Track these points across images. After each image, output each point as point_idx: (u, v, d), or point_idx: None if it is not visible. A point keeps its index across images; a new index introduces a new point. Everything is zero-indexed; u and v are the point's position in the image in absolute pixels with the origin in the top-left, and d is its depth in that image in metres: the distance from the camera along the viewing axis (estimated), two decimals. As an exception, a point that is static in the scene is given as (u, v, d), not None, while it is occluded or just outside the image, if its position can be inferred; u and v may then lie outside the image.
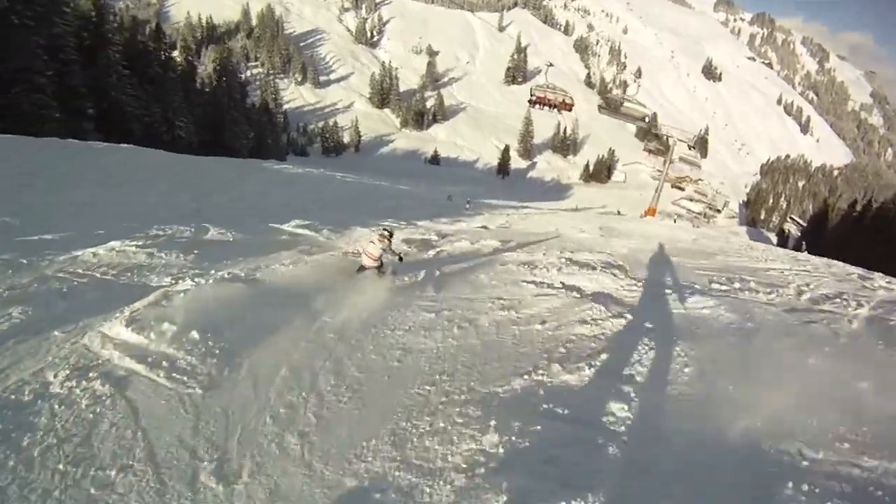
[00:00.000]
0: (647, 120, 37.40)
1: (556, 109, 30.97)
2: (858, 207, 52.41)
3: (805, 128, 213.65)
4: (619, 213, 74.12)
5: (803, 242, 61.93)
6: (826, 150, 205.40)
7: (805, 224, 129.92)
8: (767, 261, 12.70)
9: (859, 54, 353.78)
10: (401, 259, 8.96)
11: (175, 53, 51.55)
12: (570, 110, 31.15)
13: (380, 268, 8.57)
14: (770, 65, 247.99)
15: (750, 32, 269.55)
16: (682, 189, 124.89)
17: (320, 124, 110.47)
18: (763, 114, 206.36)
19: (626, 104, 35.60)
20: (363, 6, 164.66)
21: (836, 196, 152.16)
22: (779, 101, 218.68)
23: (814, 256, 16.96)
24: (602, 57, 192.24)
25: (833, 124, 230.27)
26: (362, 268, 8.56)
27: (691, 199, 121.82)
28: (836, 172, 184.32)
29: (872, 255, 33.28)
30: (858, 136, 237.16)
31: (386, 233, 8.74)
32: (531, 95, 30.74)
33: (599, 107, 37.12)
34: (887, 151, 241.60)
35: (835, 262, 14.73)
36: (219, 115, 49.00)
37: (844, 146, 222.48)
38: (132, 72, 37.96)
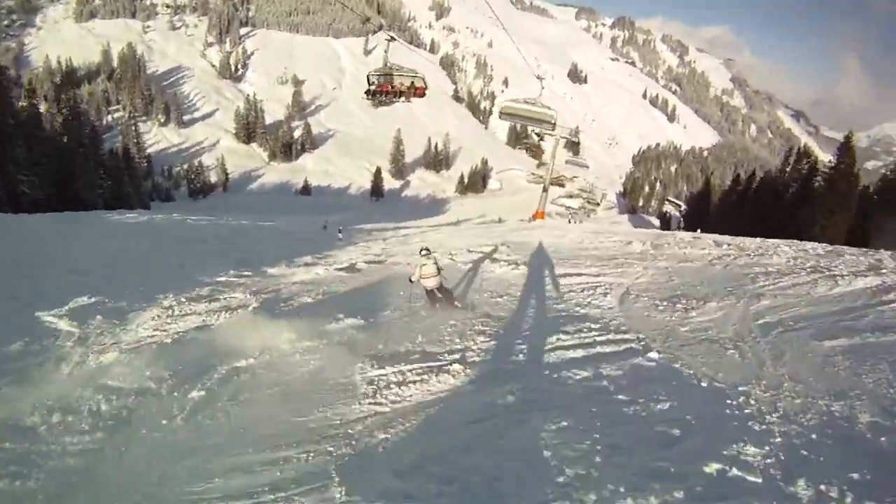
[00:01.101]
0: (553, 122, 32.99)
1: (402, 98, 24.02)
2: (742, 182, 54.08)
3: (672, 117, 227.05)
4: (499, 220, 74.07)
5: (681, 221, 64.18)
6: (694, 134, 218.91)
7: (683, 204, 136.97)
8: (795, 266, 11.16)
9: (718, 45, 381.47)
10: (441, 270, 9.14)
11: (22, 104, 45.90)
12: (423, 95, 24.51)
13: (443, 287, 8.90)
14: (633, 63, 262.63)
15: (611, 36, 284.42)
16: (562, 186, 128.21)
17: (185, 166, 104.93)
18: (630, 109, 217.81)
19: (529, 107, 32.97)
20: (227, 40, 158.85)
21: (708, 173, 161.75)
22: (644, 96, 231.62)
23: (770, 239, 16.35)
24: (468, 71, 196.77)
25: (698, 111, 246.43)
26: (432, 293, 8.83)
27: (570, 196, 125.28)
28: (705, 153, 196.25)
29: (762, 225, 34.76)
30: (723, 118, 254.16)
31: (425, 251, 9.01)
32: (368, 84, 23.59)
33: (501, 113, 34.36)
34: (751, 128, 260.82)
35: (829, 246, 14.51)
36: (69, 166, 43.87)
37: (710, 129, 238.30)
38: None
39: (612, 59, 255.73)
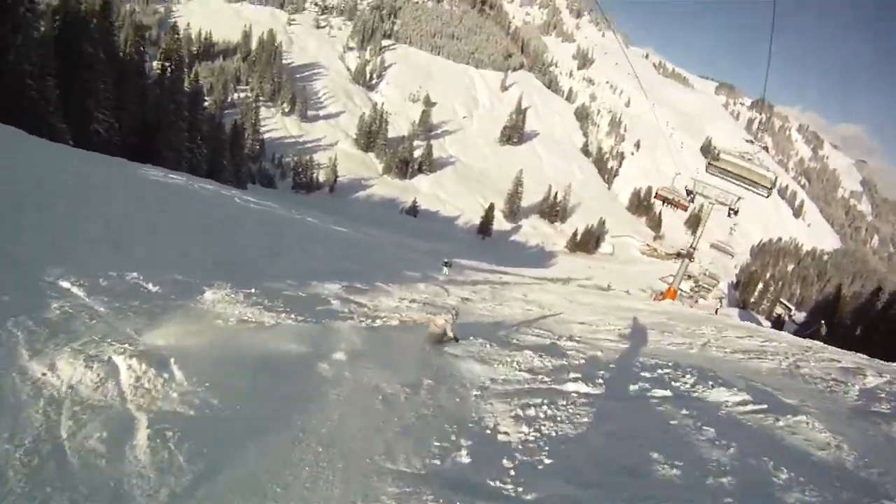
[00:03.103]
0: (770, 187, 29.67)
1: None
2: (885, 296, 49.42)
3: (797, 212, 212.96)
4: (608, 287, 67.94)
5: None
6: (816, 234, 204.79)
7: (793, 308, 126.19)
8: None
9: (851, 145, 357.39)
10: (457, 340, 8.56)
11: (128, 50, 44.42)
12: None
13: (444, 335, 8.48)
14: (766, 148, 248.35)
15: (748, 117, 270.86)
16: (691, 259, 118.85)
17: (296, 158, 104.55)
18: (757, 196, 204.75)
19: (745, 164, 28.98)
20: (367, 48, 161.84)
21: (825, 280, 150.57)
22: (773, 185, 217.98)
23: None
24: (601, 127, 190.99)
25: (822, 210, 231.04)
26: (432, 335, 8.52)
27: (689, 277, 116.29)
28: (825, 257, 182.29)
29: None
30: (846, 222, 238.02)
31: (454, 312, 8.90)
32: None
33: (708, 164, 30.50)
34: (874, 238, 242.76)
35: None
36: (156, 119, 42.14)
37: (833, 232, 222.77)
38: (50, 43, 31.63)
39: (747, 141, 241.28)
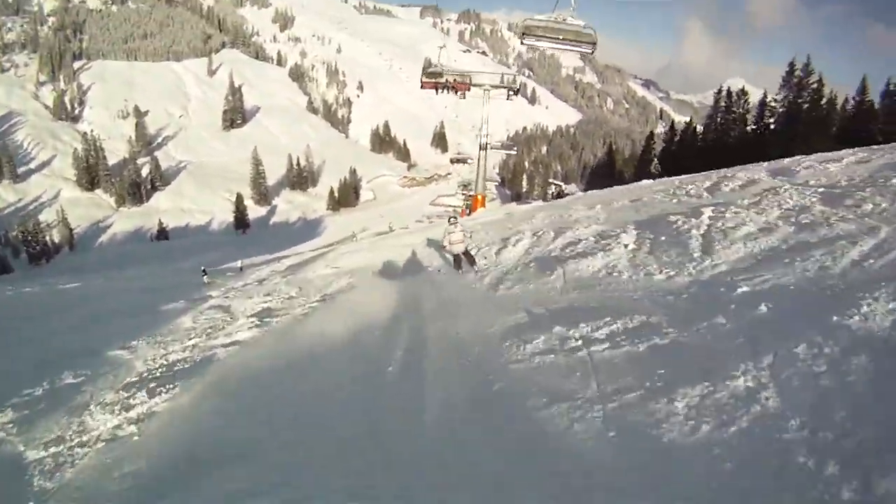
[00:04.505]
0: (593, 42, 26.04)
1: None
2: (659, 138, 59.16)
3: (532, 100, 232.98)
4: (391, 228, 69.46)
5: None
6: (556, 114, 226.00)
7: (563, 183, 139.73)
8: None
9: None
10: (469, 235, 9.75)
11: None
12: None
13: (468, 252, 9.20)
14: (485, 53, 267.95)
15: (458, 30, 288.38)
16: (465, 163, 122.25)
17: (21, 228, 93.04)
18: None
19: (560, 25, 25.55)
20: (61, 77, 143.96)
21: (579, 150, 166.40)
22: (502, 81, 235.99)
23: None
24: (320, 81, 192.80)
25: (554, 91, 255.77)
26: (457, 258, 9.26)
27: (459, 194, 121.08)
28: (572, 130, 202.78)
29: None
30: (578, 95, 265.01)
31: (454, 218, 9.24)
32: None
33: (522, 34, 26.44)
34: (607, 101, 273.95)
35: None
36: None
37: (569, 107, 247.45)
38: None
39: (465, 52, 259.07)
